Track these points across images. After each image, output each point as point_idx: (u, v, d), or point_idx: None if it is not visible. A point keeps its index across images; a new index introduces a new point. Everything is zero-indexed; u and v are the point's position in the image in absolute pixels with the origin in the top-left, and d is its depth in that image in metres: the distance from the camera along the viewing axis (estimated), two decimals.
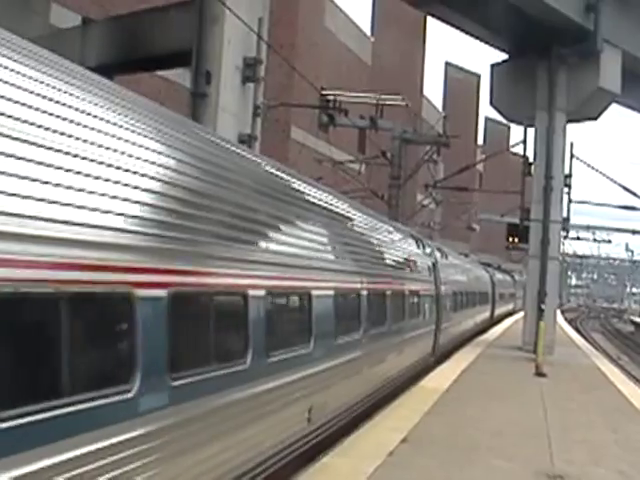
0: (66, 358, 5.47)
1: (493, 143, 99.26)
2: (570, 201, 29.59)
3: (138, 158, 6.79)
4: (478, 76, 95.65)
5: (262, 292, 9.09)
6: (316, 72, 32.87)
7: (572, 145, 29.77)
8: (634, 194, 34.74)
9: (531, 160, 29.80)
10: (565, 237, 30.60)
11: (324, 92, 30.26)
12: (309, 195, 12.46)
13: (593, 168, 32.34)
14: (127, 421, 6.14)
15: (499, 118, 33.65)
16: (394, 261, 18.62)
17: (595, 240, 65.99)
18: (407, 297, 19.14)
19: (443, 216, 54.34)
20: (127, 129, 6.82)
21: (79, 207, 5.75)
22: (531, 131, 30.10)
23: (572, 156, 29.54)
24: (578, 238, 59.11)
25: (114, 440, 5.93)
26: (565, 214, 29.73)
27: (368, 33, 58.10)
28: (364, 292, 14.29)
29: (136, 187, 6.62)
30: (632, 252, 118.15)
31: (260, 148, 17.46)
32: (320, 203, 12.95)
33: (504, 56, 31.00)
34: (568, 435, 14.16)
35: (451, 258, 30.86)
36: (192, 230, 7.48)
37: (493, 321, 47.17)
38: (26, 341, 5.25)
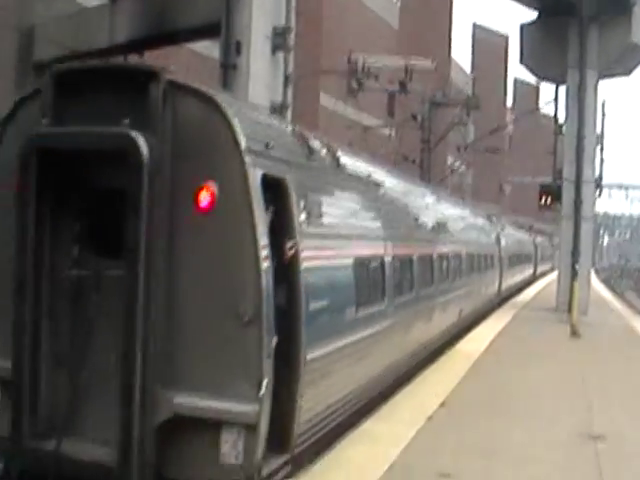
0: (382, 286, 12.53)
1: (522, 104, 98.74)
2: (602, 161, 29.31)
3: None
4: (506, 37, 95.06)
5: (445, 251, 18.92)
6: (343, 38, 32.74)
7: (604, 103, 29.48)
8: None
9: (562, 119, 29.55)
10: (599, 196, 30.32)
11: (352, 57, 30.18)
12: (436, 199, 21.21)
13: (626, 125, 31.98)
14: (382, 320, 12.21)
15: (528, 79, 33.59)
16: (481, 236, 27.56)
17: (627, 198, 65.41)
18: (486, 257, 27.24)
19: (474, 178, 54.06)
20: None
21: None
22: (562, 90, 29.91)
23: (604, 115, 29.25)
24: (610, 197, 58.64)
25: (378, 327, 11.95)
26: (598, 173, 29.39)
27: None
28: (472, 254, 23.53)
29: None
30: None
31: (291, 116, 17.43)
32: (443, 205, 21.84)
33: (533, 16, 30.75)
34: (606, 395, 14.14)
35: (508, 228, 38.50)
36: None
37: (536, 277, 53.91)
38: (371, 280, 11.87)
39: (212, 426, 7.60)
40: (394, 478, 8.40)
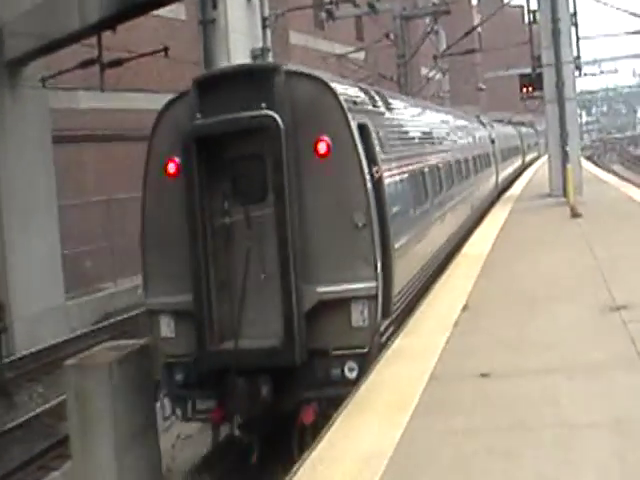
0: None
1: (487, 0, 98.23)
2: (578, 39, 29.27)
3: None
4: None
5: (465, 156, 24.50)
6: None
7: None
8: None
9: (532, 7, 29.48)
10: (579, 75, 30.34)
11: None
12: (456, 123, 26.25)
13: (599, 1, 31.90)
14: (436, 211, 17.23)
15: None
16: (480, 139, 31.10)
17: (602, 72, 65.22)
18: (486, 157, 31.31)
19: (451, 83, 53.97)
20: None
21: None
22: None
23: None
24: (584, 74, 58.27)
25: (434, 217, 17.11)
26: (575, 53, 29.40)
27: None
28: (480, 155, 28.95)
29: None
30: None
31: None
32: (462, 128, 27.05)
33: None
34: (621, 269, 14.26)
35: (497, 127, 42.05)
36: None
37: (524, 165, 57.70)
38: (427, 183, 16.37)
39: (344, 302, 10.97)
40: (438, 385, 8.57)
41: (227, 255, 11.46)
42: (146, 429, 12.35)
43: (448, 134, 22.88)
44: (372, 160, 11.68)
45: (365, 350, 10.92)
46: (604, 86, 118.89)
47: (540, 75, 29.84)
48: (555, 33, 28.09)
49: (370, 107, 13.38)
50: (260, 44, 17.53)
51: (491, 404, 7.90)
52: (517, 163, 51.30)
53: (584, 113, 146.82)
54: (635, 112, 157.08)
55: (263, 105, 10.99)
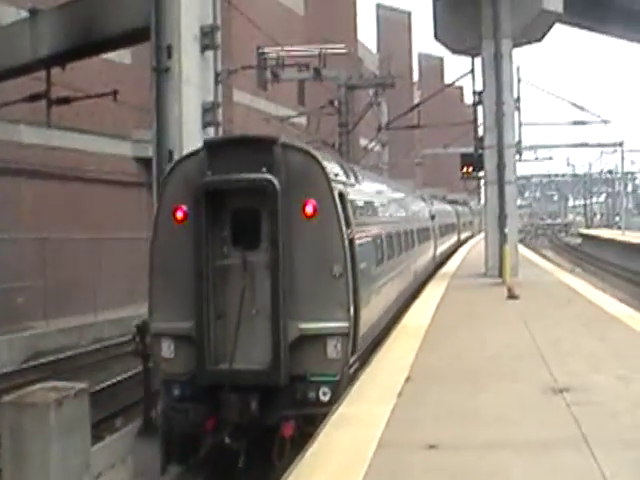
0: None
1: (428, 77, 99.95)
2: (521, 124, 29.94)
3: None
4: (409, 13, 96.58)
5: (413, 227, 26.95)
6: (252, 30, 32.89)
7: (518, 69, 30.16)
8: (581, 108, 35.27)
9: (477, 89, 30.03)
10: (519, 160, 31.00)
11: (265, 50, 30.34)
12: (404, 202, 27.72)
13: (541, 88, 32.75)
14: (392, 269, 20.10)
15: (432, 52, 34.05)
16: (422, 215, 32.79)
17: (537, 159, 66.55)
18: (426, 231, 32.64)
19: (390, 155, 54.74)
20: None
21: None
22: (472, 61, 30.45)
23: (519, 80, 29.85)
24: (520, 159, 59.54)
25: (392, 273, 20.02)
26: (517, 137, 30.05)
27: None
28: (421, 228, 30.08)
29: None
30: (573, 166, 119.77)
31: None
32: (408, 203, 28.93)
33: None
34: (559, 349, 14.55)
35: (436, 204, 44.45)
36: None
37: (460, 242, 59.38)
38: (385, 246, 18.69)
39: (322, 337, 13.11)
40: (386, 454, 8.62)
41: (224, 291, 13.51)
42: (81, 473, 12.25)
43: (400, 207, 25.77)
44: (347, 223, 13.81)
45: (337, 378, 13.10)
46: (538, 172, 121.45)
47: (481, 156, 30.41)
48: (498, 116, 28.71)
49: (345, 179, 15.58)
50: (211, 98, 17.62)
51: (441, 476, 7.96)
52: (453, 239, 53.64)
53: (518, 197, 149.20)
54: (567, 200, 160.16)
55: (263, 169, 13.23)
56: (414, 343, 15.67)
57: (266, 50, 31.91)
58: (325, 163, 13.75)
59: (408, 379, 12.32)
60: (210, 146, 13.95)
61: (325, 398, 13.00)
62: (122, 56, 33.11)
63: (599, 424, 9.53)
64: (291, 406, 13.09)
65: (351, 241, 13.72)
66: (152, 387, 16.53)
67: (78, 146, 32.82)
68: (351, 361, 13.55)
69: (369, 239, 16.56)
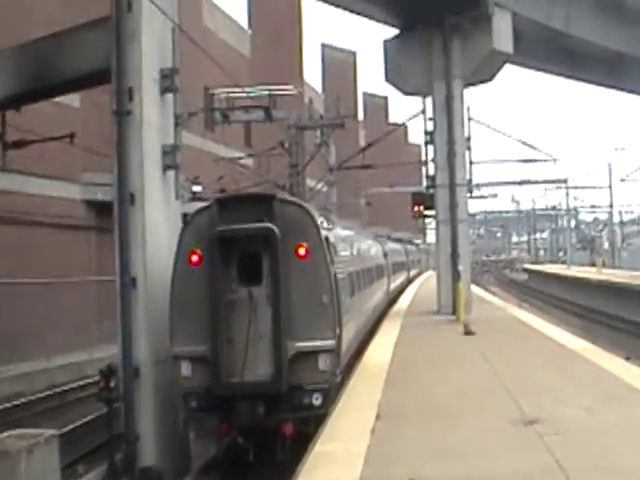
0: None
1: (372, 116, 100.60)
2: (471, 163, 30.29)
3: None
4: (354, 53, 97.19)
5: (372, 264, 30.33)
6: (200, 72, 33.05)
7: (469, 109, 30.55)
8: (530, 146, 35.79)
9: (428, 129, 30.36)
10: (470, 197, 31.36)
11: (215, 92, 30.45)
12: (364, 242, 31.22)
13: (491, 127, 33.24)
14: (362, 298, 23.99)
15: (376, 92, 34.35)
16: (375, 254, 34.35)
17: (482, 197, 67.16)
18: (381, 268, 35.13)
19: (337, 196, 55.03)
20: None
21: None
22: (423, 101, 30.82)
23: (470, 119, 30.23)
24: (472, 197, 60.16)
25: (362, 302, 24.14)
26: (468, 176, 30.41)
27: (245, 27, 58.46)
28: (377, 266, 32.73)
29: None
30: (518, 203, 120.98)
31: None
32: (367, 243, 32.47)
33: (386, 30, 31.77)
34: (522, 383, 14.78)
35: (389, 244, 48.68)
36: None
37: (410, 279, 62.57)
38: (357, 280, 22.95)
39: (314, 354, 15.74)
40: None
41: (233, 320, 16.08)
42: None
43: (362, 248, 28.89)
44: (332, 261, 16.73)
45: (327, 386, 15.78)
46: (483, 209, 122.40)
47: (432, 195, 30.67)
48: (450, 155, 29.12)
49: (327, 226, 18.41)
50: (171, 140, 17.68)
51: None
52: (404, 276, 56.51)
53: None
54: (510, 236, 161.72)
55: (265, 220, 15.95)
56: (378, 382, 15.89)
57: (215, 92, 31.99)
58: (314, 213, 16.89)
59: (378, 416, 12.42)
60: (220, 201, 16.73)
61: (317, 402, 15.70)
62: (71, 99, 33.00)
63: (572, 453, 9.69)
64: (290, 410, 15.79)
65: (335, 276, 16.62)
66: (115, 430, 16.55)
67: (27, 190, 32.59)
68: (337, 372, 16.38)
69: (345, 275, 19.41)
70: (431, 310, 30.89)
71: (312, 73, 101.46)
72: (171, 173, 17.77)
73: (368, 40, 70.32)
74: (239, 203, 17.01)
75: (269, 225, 15.94)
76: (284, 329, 15.77)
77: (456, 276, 28.33)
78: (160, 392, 17.06)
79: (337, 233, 20.67)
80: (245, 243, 16.26)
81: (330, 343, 15.98)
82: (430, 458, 9.90)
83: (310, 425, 14.74)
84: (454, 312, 27.47)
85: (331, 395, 15.67)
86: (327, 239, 16.95)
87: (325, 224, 18.15)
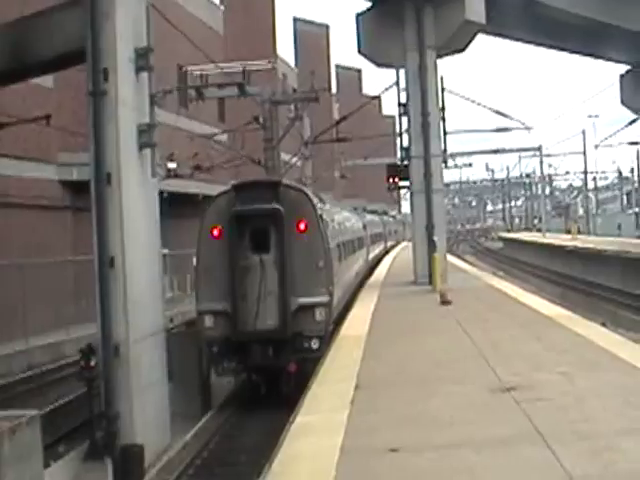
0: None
1: (345, 89, 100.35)
2: (445, 133, 30.40)
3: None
4: (327, 26, 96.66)
5: (358, 236, 37.25)
6: (173, 49, 32.92)
7: (442, 79, 30.68)
8: (504, 115, 35.99)
9: (401, 101, 30.44)
10: (445, 168, 31.50)
11: (190, 69, 30.42)
12: (348, 216, 36.11)
13: (465, 97, 33.39)
14: (352, 260, 31.90)
15: (349, 64, 34.52)
16: (357, 227, 38.70)
17: (457, 166, 67.39)
18: (362, 239, 39.66)
19: (313, 169, 55.12)
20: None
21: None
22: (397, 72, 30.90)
23: (443, 90, 30.36)
24: (447, 167, 60.53)
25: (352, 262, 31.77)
26: (443, 146, 30.52)
27: (217, 2, 58.15)
28: (359, 237, 37.58)
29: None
30: (492, 171, 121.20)
31: None
32: (350, 217, 37.14)
33: (360, 3, 31.83)
34: (500, 351, 14.97)
35: (368, 217, 54.04)
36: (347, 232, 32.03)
37: (387, 249, 66.04)
38: (348, 247, 30.78)
39: (312, 307, 20.31)
40: (351, 459, 8.83)
41: (247, 281, 20.44)
42: None
43: (346, 222, 33.42)
44: (325, 234, 21.30)
45: (322, 333, 20.37)
46: (457, 179, 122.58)
47: (407, 166, 30.75)
48: (424, 126, 29.21)
49: (321, 205, 23.38)
50: (147, 119, 17.70)
51: (407, 476, 8.22)
52: (382, 246, 61.68)
53: None
54: (485, 205, 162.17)
55: (274, 201, 20.55)
56: (357, 352, 15.94)
57: (189, 69, 31.93)
58: (311, 196, 22.02)
59: (357, 387, 12.55)
60: (237, 186, 21.42)
61: (315, 346, 20.05)
62: (45, 79, 32.81)
63: (550, 419, 9.86)
64: (293, 352, 20.17)
65: (327, 245, 21.30)
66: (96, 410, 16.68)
67: (3, 171, 32.44)
68: (330, 322, 20.98)
69: (334, 245, 23.68)
70: (408, 280, 31.02)
71: (285, 47, 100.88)
72: (147, 152, 17.83)
73: (341, 13, 70.24)
74: (252, 188, 21.47)
75: (276, 205, 20.40)
76: (288, 288, 20.20)
77: (432, 246, 28.49)
78: (140, 369, 17.19)
79: (328, 211, 25.24)
80: (256, 220, 20.56)
81: (325, 299, 20.64)
82: (410, 427, 10.06)
83: (309, 364, 17.74)
84: (430, 282, 27.64)
85: (326, 340, 19.80)
86: (321, 216, 21.52)
87: (320, 203, 23.07)
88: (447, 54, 30.97)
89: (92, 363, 16.87)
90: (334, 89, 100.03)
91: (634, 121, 56.18)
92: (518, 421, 9.83)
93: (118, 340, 16.67)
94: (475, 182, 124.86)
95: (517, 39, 41.35)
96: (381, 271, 42.72)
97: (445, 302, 22.97)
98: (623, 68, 46.97)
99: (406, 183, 31.56)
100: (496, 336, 16.79)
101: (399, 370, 14.04)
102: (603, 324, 23.39)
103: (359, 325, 20.23)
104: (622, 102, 47.06)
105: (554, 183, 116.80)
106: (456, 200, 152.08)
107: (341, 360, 15.56)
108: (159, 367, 18.48)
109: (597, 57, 47.47)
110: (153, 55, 17.78)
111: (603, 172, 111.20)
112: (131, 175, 17.17)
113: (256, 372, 20.91)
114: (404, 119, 30.30)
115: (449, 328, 18.54)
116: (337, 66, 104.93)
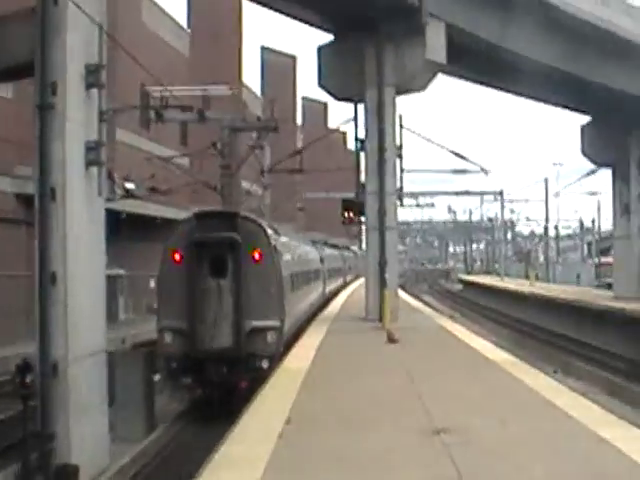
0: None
1: (311, 121, 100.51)
2: (402, 171, 30.39)
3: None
4: (294, 57, 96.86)
5: (312, 268, 38.25)
6: (136, 69, 32.74)
7: (401, 117, 30.73)
8: (461, 156, 36.02)
9: (360, 136, 30.40)
10: (400, 206, 31.46)
11: (150, 88, 30.23)
12: (304, 249, 38.28)
13: (423, 137, 33.46)
14: (303, 291, 31.74)
15: (316, 96, 34.42)
16: (313, 259, 40.15)
17: (418, 205, 67.56)
18: (318, 272, 40.81)
19: (272, 199, 55.05)
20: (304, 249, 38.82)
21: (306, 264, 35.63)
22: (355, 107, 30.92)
23: (402, 127, 30.38)
24: (402, 205, 60.72)
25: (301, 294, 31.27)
26: (399, 184, 30.48)
27: (185, 25, 58.18)
28: (315, 269, 38.89)
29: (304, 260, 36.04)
30: (454, 213, 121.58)
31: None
32: (306, 249, 39.16)
33: (325, 36, 31.78)
34: (438, 393, 14.83)
35: (326, 249, 54.23)
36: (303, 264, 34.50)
37: (346, 283, 65.75)
38: (300, 278, 31.15)
39: (265, 330, 22.08)
40: None
41: (205, 303, 22.03)
42: None
43: (302, 254, 35.22)
44: (278, 263, 23.09)
45: (273, 354, 21.95)
46: (420, 218, 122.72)
47: (362, 202, 30.67)
48: (380, 163, 29.16)
49: (276, 236, 25.15)
50: (95, 137, 17.43)
51: None
52: (340, 280, 61.85)
53: (399, 242, 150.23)
54: (447, 246, 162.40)
55: (231, 230, 22.19)
56: (294, 386, 15.71)
57: (150, 89, 31.76)
58: (266, 228, 23.76)
59: (288, 421, 12.32)
60: (198, 215, 23.26)
61: (265, 366, 21.45)
62: (5, 89, 32.55)
63: (476, 463, 9.70)
64: (246, 371, 21.62)
65: (280, 274, 23.18)
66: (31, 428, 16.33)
67: None
68: (280, 344, 22.53)
69: (287, 274, 25.40)
70: (359, 316, 30.86)
71: (252, 76, 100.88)
72: (95, 169, 17.55)
73: (310, 45, 70.40)
74: (212, 217, 23.35)
75: (233, 235, 22.10)
76: (243, 311, 21.95)
77: (383, 283, 28.34)
78: (79, 389, 16.85)
79: (283, 242, 27.32)
80: (215, 247, 22.20)
81: (276, 323, 22.48)
82: (332, 466, 9.83)
83: (259, 382, 17.71)
84: (381, 319, 27.46)
85: (275, 360, 21.29)
86: (275, 247, 23.41)
87: (274, 234, 24.86)
88: (407, 92, 30.98)
89: (27, 380, 16.49)
90: (299, 120, 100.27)
91: (593, 172, 56.56)
92: (442, 465, 9.63)
93: (57, 357, 16.34)
94: (437, 222, 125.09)
95: (479, 82, 41.38)
96: (336, 305, 42.57)
97: (392, 340, 22.76)
98: (587, 118, 47.13)
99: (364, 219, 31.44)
100: (437, 378, 16.68)
101: (333, 408, 13.80)
102: (554, 371, 23.31)
103: (302, 358, 19.96)
104: (583, 152, 47.22)
105: (517, 228, 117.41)
106: (418, 239, 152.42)
107: (277, 393, 15.31)
108: (99, 387, 18.06)
109: (560, 106, 47.75)
110: (107, 72, 17.56)
111: (566, 220, 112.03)
112: (76, 192, 16.87)
113: (210, 388, 22.18)
114: (362, 154, 30.27)
115: (391, 367, 18.38)
116: (304, 98, 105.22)
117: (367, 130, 30.02)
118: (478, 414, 12.72)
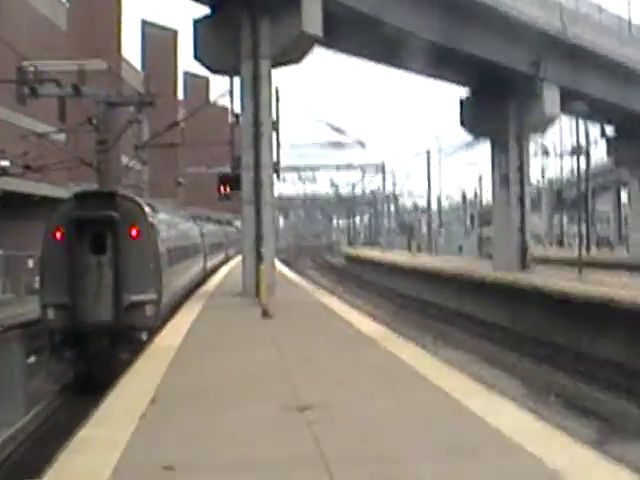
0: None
1: (194, 97, 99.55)
2: (279, 145, 30.27)
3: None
4: (175, 31, 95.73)
5: (193, 242, 40.41)
6: (12, 42, 31.82)
7: (278, 90, 30.53)
8: (339, 130, 36.09)
9: (237, 110, 30.19)
10: (277, 180, 31.36)
11: (24, 63, 29.45)
12: (183, 225, 39.85)
13: (300, 110, 33.41)
14: (183, 265, 33.26)
15: (198, 71, 33.99)
16: (193, 235, 41.40)
17: (300, 179, 67.60)
18: (197, 247, 41.73)
19: (151, 175, 54.34)
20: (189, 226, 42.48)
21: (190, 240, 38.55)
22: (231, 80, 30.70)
23: (278, 100, 30.18)
24: (284, 180, 60.43)
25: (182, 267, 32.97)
26: (275, 158, 30.32)
27: None
28: (194, 244, 40.08)
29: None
30: (337, 187, 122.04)
31: None
32: (186, 225, 40.82)
33: (204, 10, 31.33)
34: (307, 368, 14.83)
35: (207, 225, 56.30)
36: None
37: (228, 258, 66.83)
38: (181, 252, 33.27)
39: (143, 303, 23.42)
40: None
41: (86, 278, 23.14)
42: None
43: (180, 230, 36.19)
44: (155, 239, 24.27)
45: (151, 326, 22.80)
46: (304, 192, 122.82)
47: (238, 176, 30.50)
48: (256, 137, 28.97)
49: (153, 213, 26.11)
50: None
51: None
52: (221, 255, 63.57)
53: (282, 217, 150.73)
54: (331, 220, 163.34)
55: (110, 208, 23.30)
56: (163, 364, 15.47)
57: (24, 64, 30.95)
58: (144, 206, 24.91)
59: (153, 400, 12.08)
60: (77, 195, 24.55)
61: (144, 338, 22.15)
62: None
63: (337, 440, 9.61)
64: (125, 343, 22.48)
65: (157, 250, 24.21)
66: None
67: None
68: (158, 317, 23.61)
69: (165, 249, 26.12)
70: (237, 291, 30.71)
71: (133, 50, 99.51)
72: None
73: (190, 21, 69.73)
74: (91, 197, 24.50)
75: (112, 213, 23.19)
76: (122, 286, 23.16)
77: (259, 258, 28.23)
78: None
79: (161, 218, 28.32)
80: (94, 225, 23.28)
81: (154, 297, 23.70)
82: (193, 444, 9.65)
83: (138, 353, 18.12)
84: (257, 294, 27.34)
85: (153, 333, 21.62)
86: (152, 224, 24.67)
87: (151, 212, 25.82)
88: (283, 64, 30.78)
89: None
90: (181, 95, 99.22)
91: (471, 144, 57.30)
92: (303, 442, 9.51)
93: None
94: (320, 196, 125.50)
95: (358, 55, 41.34)
96: (215, 280, 42.39)
97: (266, 315, 22.71)
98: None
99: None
100: (309, 353, 16.65)
101: (201, 385, 13.61)
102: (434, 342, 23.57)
103: (175, 335, 19.74)
104: (462, 124, 47.75)
105: (400, 202, 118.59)
106: (302, 213, 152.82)
107: (144, 372, 15.07)
108: None
109: (441, 79, 48.11)
110: None
111: (448, 194, 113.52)
112: None
113: (92, 360, 22.71)
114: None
115: (263, 342, 18.31)
116: (185, 73, 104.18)
117: (243, 103, 29.77)
118: (345, 389, 12.67)
